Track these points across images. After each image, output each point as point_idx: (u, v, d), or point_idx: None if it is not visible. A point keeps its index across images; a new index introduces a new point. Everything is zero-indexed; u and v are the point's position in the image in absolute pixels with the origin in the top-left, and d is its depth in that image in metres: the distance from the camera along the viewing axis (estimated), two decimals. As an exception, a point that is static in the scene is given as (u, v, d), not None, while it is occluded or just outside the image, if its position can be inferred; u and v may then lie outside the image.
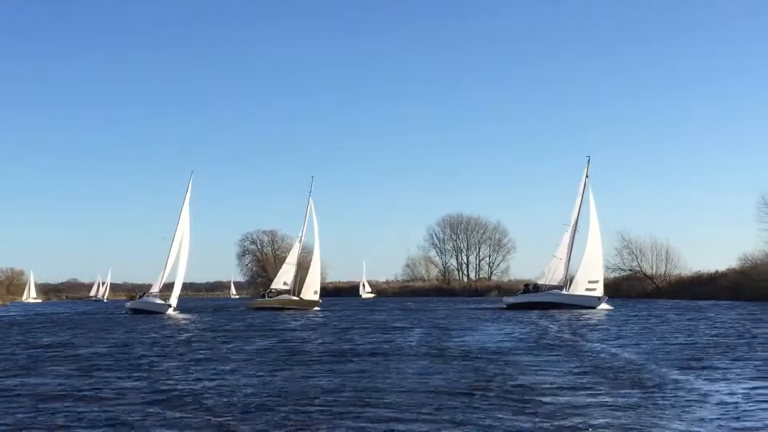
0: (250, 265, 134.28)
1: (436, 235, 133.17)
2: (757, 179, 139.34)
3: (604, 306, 58.47)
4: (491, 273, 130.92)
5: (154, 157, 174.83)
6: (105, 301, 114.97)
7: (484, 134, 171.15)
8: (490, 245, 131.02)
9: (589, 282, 59.83)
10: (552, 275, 61.51)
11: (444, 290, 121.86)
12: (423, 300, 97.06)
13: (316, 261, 62.80)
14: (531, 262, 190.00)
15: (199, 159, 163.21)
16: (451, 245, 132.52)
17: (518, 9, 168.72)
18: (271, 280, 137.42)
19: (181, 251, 52.52)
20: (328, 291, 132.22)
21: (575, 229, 62.38)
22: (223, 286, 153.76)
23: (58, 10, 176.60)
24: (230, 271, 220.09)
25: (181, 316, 50.63)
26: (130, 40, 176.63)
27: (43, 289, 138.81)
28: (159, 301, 54.55)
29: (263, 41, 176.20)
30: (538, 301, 60.09)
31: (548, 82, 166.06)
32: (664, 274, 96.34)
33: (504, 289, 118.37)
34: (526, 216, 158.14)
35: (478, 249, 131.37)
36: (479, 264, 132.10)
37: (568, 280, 61.45)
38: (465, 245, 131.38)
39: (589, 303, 58.01)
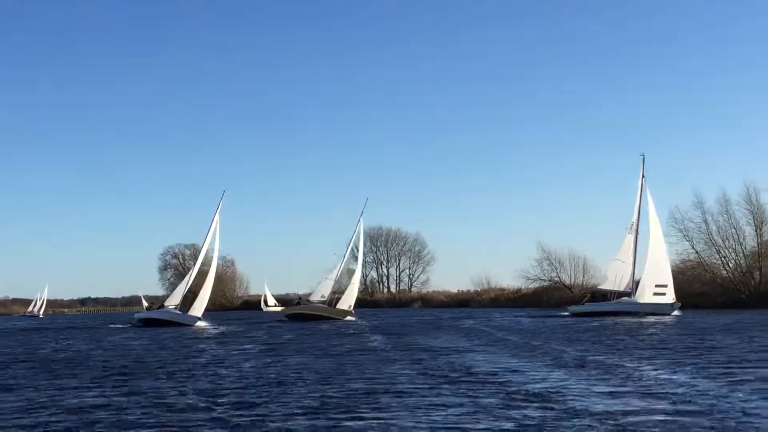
0: (172, 279, 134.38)
1: (356, 247, 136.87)
2: (666, 195, 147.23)
3: (676, 313, 56.17)
4: (411, 285, 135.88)
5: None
6: (41, 316, 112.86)
7: (403, 146, 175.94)
8: (410, 257, 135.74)
9: (656, 286, 57.72)
10: (617, 281, 59.47)
11: (368, 302, 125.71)
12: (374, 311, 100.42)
13: (356, 278, 66.63)
14: (450, 273, 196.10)
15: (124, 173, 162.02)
16: (371, 257, 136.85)
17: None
18: (194, 294, 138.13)
19: (211, 267, 55.26)
20: (234, 306, 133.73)
21: (637, 230, 60.45)
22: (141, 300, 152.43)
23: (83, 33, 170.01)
24: (145, 286, 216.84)
25: (212, 328, 50.33)
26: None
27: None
28: (190, 313, 55.49)
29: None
30: (606, 310, 57.41)
31: (470, 104, 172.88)
32: (582, 283, 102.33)
33: (427, 300, 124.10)
34: (445, 228, 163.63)
35: (398, 261, 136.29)
36: (399, 276, 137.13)
37: (635, 285, 59.27)
38: (385, 257, 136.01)
39: (662, 310, 55.83)
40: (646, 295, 57.96)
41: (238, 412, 13.67)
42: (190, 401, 15.14)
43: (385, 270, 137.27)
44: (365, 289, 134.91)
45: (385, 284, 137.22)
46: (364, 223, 67.99)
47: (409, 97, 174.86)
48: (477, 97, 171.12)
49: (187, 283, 57.41)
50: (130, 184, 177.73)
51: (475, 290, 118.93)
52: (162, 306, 59.48)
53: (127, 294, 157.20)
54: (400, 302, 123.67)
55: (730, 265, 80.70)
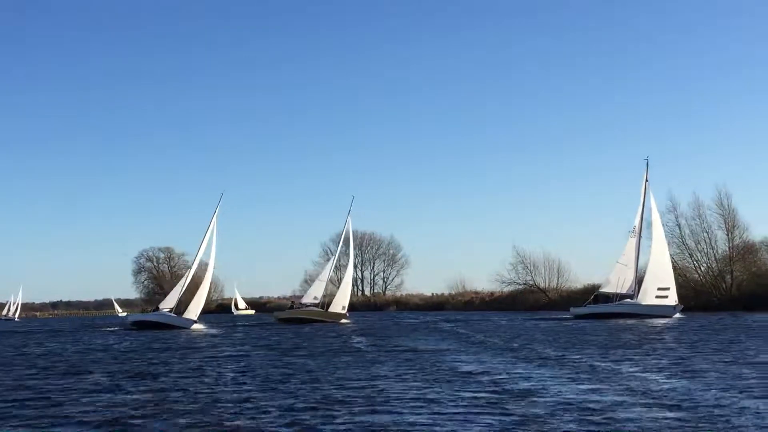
0: (146, 282, 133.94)
1: (330, 250, 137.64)
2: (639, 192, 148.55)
3: (677, 315, 56.51)
4: (386, 288, 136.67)
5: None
6: (17, 320, 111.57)
7: (378, 151, 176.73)
8: (384, 260, 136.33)
9: (659, 289, 58.15)
10: (620, 283, 60.01)
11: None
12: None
13: (348, 279, 66.10)
14: (423, 277, 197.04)
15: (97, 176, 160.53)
16: (344, 260, 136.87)
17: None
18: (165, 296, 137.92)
19: (207, 270, 55.49)
20: (210, 309, 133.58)
21: (640, 234, 60.99)
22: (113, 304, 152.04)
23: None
24: (118, 289, 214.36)
25: (211, 330, 50.33)
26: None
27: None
28: (185, 316, 55.17)
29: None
30: (608, 311, 57.90)
31: (444, 107, 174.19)
32: (557, 287, 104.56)
33: (402, 303, 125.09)
34: (418, 231, 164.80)
35: (372, 264, 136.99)
36: (374, 279, 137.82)
37: (637, 288, 59.78)
38: (360, 260, 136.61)
39: (665, 312, 56.15)
40: (648, 298, 58.41)
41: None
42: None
43: (359, 273, 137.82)
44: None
45: (360, 287, 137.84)
46: (351, 222, 67.60)
47: (384, 99, 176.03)
48: (451, 100, 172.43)
49: (183, 286, 57.21)
50: (102, 187, 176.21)
51: (449, 293, 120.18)
52: (157, 309, 59.13)
53: (99, 297, 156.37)
54: (375, 305, 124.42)
55: (702, 268, 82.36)
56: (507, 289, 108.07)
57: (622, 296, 59.57)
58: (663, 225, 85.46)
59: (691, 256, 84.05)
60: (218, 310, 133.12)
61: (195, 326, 54.57)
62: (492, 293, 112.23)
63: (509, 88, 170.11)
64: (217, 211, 59.34)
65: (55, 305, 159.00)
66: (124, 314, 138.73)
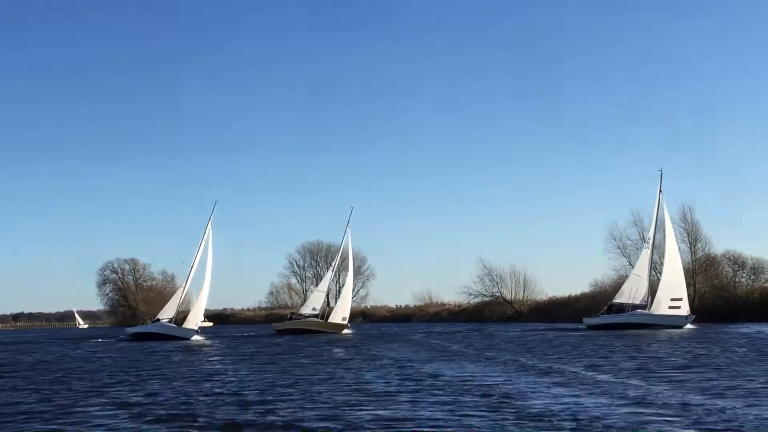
0: (110, 294, 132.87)
1: (296, 262, 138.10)
2: (605, 208, 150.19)
3: (689, 326, 56.84)
4: (351, 300, 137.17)
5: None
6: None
7: (343, 163, 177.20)
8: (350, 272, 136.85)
9: (672, 300, 58.71)
10: (633, 294, 60.78)
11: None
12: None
13: (348, 290, 68.21)
14: (389, 289, 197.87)
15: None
16: (311, 272, 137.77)
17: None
18: (132, 309, 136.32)
19: (205, 279, 55.62)
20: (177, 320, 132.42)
21: (653, 245, 62.20)
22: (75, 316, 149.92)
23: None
24: (78, 300, 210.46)
25: (210, 341, 50.49)
26: None
27: None
28: (185, 326, 55.19)
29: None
30: (622, 322, 58.42)
31: (409, 119, 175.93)
32: (523, 299, 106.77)
33: (368, 315, 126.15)
34: (383, 243, 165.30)
35: (338, 276, 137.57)
36: (339, 290, 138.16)
37: (650, 299, 60.42)
38: (325, 272, 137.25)
39: (676, 322, 56.64)
40: (661, 308, 59.07)
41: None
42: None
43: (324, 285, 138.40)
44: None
45: (326, 299, 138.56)
46: (350, 234, 68.40)
47: (351, 110, 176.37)
48: (416, 111, 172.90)
49: (181, 296, 57.63)
50: (64, 197, 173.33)
51: (416, 305, 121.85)
52: (157, 320, 58.93)
53: (60, 309, 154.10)
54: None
55: None
56: (474, 301, 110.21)
57: (635, 306, 60.20)
58: (627, 238, 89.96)
59: (655, 269, 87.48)
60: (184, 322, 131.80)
61: (195, 337, 54.60)
62: (459, 305, 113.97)
63: (472, 99, 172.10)
64: (211, 219, 59.65)
65: (16, 317, 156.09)
66: (86, 326, 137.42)
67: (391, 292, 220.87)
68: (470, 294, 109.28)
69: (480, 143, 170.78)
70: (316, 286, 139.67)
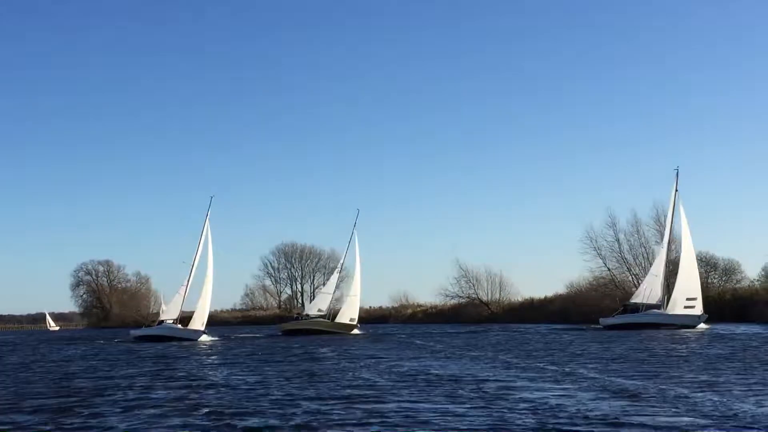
0: (84, 296, 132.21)
1: (270, 264, 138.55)
2: (579, 209, 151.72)
3: (703, 325, 57.46)
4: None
5: None
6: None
7: (317, 163, 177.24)
8: (324, 273, 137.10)
9: (687, 299, 59.38)
10: (648, 294, 61.72)
11: (285, 319, 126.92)
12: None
13: (356, 290, 67.12)
14: (364, 290, 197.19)
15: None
16: (285, 274, 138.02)
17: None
18: (106, 311, 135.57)
19: (207, 277, 55.71)
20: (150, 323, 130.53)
21: (669, 244, 62.53)
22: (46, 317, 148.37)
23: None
24: (50, 302, 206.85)
25: (217, 342, 50.40)
26: None
27: None
28: (192, 327, 55.22)
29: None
30: (637, 321, 59.31)
31: (383, 118, 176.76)
32: (499, 300, 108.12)
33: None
34: (360, 244, 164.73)
35: (312, 277, 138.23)
36: (314, 292, 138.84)
37: (666, 298, 61.12)
38: (299, 274, 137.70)
39: (689, 322, 57.25)
40: (677, 308, 59.89)
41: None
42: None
43: (299, 286, 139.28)
44: (284, 306, 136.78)
45: (300, 300, 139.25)
46: (357, 235, 69.09)
47: (327, 110, 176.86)
48: (390, 111, 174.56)
49: (183, 297, 57.68)
50: (35, 197, 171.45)
51: (392, 306, 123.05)
52: (161, 322, 58.81)
53: (32, 311, 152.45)
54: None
55: (640, 282, 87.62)
56: (450, 302, 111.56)
57: (649, 306, 61.28)
58: (602, 239, 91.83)
59: (629, 270, 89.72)
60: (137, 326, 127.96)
61: (203, 337, 54.56)
62: (435, 306, 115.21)
63: (442, 101, 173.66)
64: (209, 215, 59.39)
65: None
66: (57, 328, 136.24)
67: (368, 294, 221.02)
68: (446, 295, 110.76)
69: (454, 144, 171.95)
70: (291, 287, 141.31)
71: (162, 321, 58.72)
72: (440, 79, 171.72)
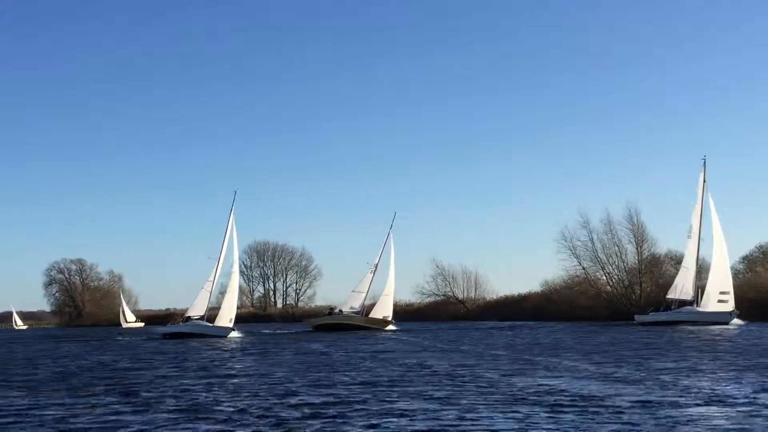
0: (57, 294, 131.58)
1: (243, 262, 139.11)
2: (554, 208, 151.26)
3: (735, 321, 57.25)
4: (298, 299, 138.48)
5: None
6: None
7: (289, 159, 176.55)
8: (296, 272, 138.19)
9: (721, 293, 58.87)
10: (681, 289, 61.60)
11: (261, 317, 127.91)
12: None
13: (389, 290, 68.68)
14: (336, 287, 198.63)
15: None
16: (258, 272, 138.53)
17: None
18: (78, 309, 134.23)
19: (233, 272, 56.74)
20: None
21: (700, 236, 61.87)
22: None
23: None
24: (18, 300, 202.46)
25: (247, 338, 50.38)
26: None
27: None
28: (220, 324, 55.64)
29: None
30: (671, 319, 59.57)
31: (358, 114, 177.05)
32: (474, 298, 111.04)
33: (318, 315, 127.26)
34: (331, 242, 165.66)
35: (285, 276, 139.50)
36: (286, 290, 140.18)
37: (699, 293, 61.00)
38: (272, 272, 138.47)
39: (721, 319, 56.79)
40: (711, 303, 59.76)
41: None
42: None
43: (272, 285, 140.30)
44: (258, 304, 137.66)
45: (273, 299, 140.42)
46: (393, 237, 70.67)
47: (295, 109, 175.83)
48: (362, 108, 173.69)
49: (210, 293, 58.84)
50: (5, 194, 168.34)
51: (368, 303, 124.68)
52: (188, 318, 59.16)
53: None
54: (293, 317, 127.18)
55: (614, 280, 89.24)
56: (426, 300, 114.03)
57: (681, 302, 61.63)
58: (576, 239, 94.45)
59: (603, 268, 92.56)
60: (106, 323, 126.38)
61: (232, 334, 54.89)
62: (411, 304, 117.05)
63: (421, 96, 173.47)
64: (233, 210, 59.24)
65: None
66: (24, 327, 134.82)
67: (341, 292, 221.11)
68: (423, 294, 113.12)
69: (429, 143, 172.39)
70: (264, 285, 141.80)
71: (189, 318, 59.25)
72: (410, 79, 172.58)
